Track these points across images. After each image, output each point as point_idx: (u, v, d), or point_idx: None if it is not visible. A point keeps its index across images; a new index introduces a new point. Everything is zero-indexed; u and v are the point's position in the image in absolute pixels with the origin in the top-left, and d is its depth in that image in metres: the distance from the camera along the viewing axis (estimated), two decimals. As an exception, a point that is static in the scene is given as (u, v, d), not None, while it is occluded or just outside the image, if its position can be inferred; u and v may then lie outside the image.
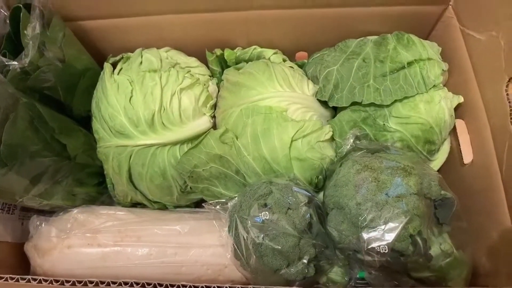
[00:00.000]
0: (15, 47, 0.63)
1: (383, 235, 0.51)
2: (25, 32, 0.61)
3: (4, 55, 0.61)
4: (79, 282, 0.46)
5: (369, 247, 0.51)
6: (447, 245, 0.56)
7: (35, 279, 0.47)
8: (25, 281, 0.47)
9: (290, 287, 0.54)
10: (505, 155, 0.58)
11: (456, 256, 0.56)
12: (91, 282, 0.46)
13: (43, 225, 0.67)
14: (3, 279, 0.47)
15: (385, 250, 0.51)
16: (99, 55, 0.80)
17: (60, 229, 0.66)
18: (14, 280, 0.47)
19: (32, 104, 0.62)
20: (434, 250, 0.55)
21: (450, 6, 0.71)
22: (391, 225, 0.51)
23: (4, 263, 0.68)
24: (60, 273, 0.64)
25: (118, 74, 0.69)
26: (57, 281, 0.47)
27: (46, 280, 0.47)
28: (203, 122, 0.69)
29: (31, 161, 0.61)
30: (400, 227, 0.51)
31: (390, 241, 0.51)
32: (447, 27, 0.72)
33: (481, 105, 0.63)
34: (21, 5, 0.62)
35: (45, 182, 0.65)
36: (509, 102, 0.57)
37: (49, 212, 0.71)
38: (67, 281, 0.46)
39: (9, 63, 0.60)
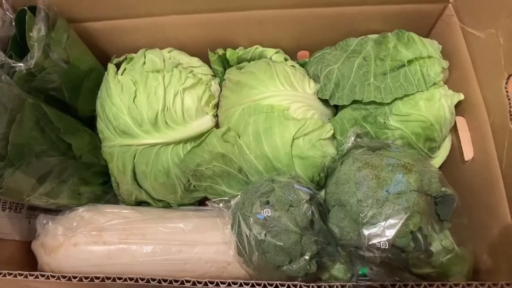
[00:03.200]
0: (21, 49, 0.64)
1: (383, 231, 0.52)
2: (30, 34, 0.62)
3: (10, 57, 0.62)
4: (86, 278, 0.48)
5: (370, 243, 0.52)
6: (448, 241, 0.56)
7: (43, 275, 0.48)
8: (33, 277, 0.49)
9: (291, 283, 0.55)
10: (505, 152, 0.58)
11: (457, 253, 0.56)
12: (97, 278, 0.47)
13: (49, 223, 0.68)
14: (12, 275, 0.49)
15: (386, 246, 0.51)
16: (103, 56, 0.81)
17: (66, 227, 0.67)
18: (22, 276, 0.49)
19: (38, 105, 0.63)
20: (435, 247, 0.55)
21: (450, 4, 0.72)
22: (391, 221, 0.52)
23: (12, 260, 0.70)
24: (67, 270, 0.65)
25: (121, 74, 0.70)
26: (64, 277, 0.48)
27: (53, 276, 0.48)
28: (206, 121, 0.70)
29: (38, 160, 0.62)
30: (400, 223, 0.51)
31: (390, 237, 0.51)
32: (447, 25, 0.73)
33: (481, 102, 0.63)
34: (27, 8, 0.63)
35: (51, 181, 0.66)
36: (508, 99, 0.57)
37: (55, 211, 0.72)
38: (74, 277, 0.48)
39: (15, 64, 0.61)
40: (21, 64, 0.61)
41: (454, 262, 0.56)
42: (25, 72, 0.62)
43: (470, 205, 0.63)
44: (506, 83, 0.58)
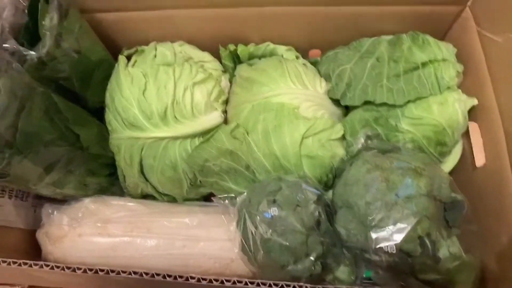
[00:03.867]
0: (33, 37, 0.64)
1: (391, 235, 0.51)
2: (43, 22, 0.62)
3: (22, 45, 0.62)
4: (90, 270, 0.47)
5: (377, 246, 0.51)
6: (456, 248, 0.55)
7: (47, 265, 0.48)
8: (38, 266, 0.49)
9: (296, 283, 0.55)
10: (518, 160, 0.57)
11: (464, 260, 0.56)
12: (101, 270, 0.47)
13: (55, 213, 0.69)
14: (17, 264, 0.49)
15: (393, 250, 0.51)
16: (114, 47, 0.81)
17: (71, 218, 0.68)
18: (27, 266, 0.49)
19: (48, 94, 0.63)
20: (443, 253, 0.54)
21: (467, 7, 0.71)
22: (400, 225, 0.51)
23: (17, 249, 0.70)
24: (71, 260, 0.65)
25: (132, 66, 0.70)
26: (68, 268, 0.48)
27: (58, 267, 0.48)
28: (215, 117, 0.70)
29: (46, 149, 0.62)
30: (409, 228, 0.51)
31: (398, 242, 0.51)
32: (463, 28, 0.71)
33: (495, 108, 0.62)
34: (40, -4, 0.63)
35: (58, 171, 0.66)
36: (524, 106, 0.56)
37: (61, 201, 0.72)
38: (79, 268, 0.48)
39: (27, 53, 0.61)
40: (33, 53, 0.61)
41: (461, 269, 0.55)
42: (36, 61, 0.62)
43: (480, 212, 0.62)
44: (522, 89, 0.57)
